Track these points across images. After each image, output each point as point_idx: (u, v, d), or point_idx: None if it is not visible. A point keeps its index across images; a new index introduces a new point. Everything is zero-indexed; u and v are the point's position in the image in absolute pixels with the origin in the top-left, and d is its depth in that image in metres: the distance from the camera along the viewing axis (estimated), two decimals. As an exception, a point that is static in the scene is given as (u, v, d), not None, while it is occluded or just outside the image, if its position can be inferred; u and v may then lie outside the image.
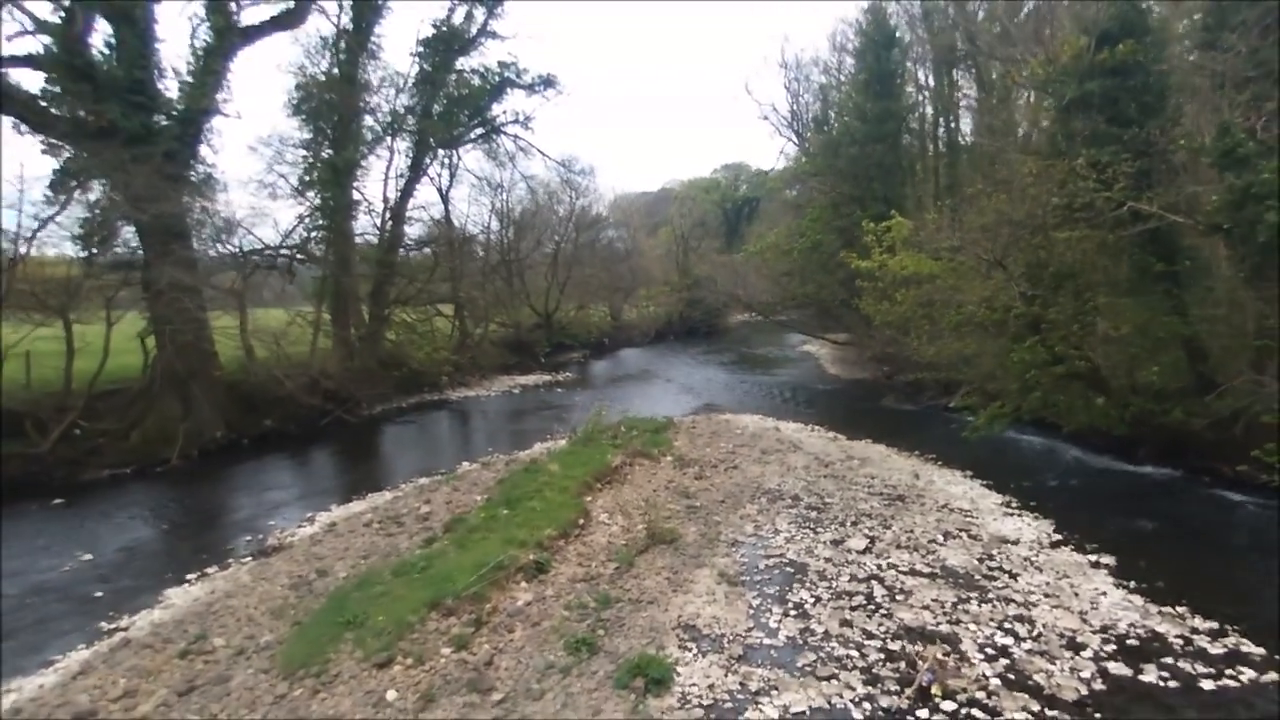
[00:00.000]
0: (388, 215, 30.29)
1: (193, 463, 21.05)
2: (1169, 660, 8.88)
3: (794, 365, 42.80)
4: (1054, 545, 13.04)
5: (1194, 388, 16.73)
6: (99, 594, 11.99)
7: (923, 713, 7.79)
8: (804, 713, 7.83)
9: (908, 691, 8.10)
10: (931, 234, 18.88)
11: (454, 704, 7.79)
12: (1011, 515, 14.79)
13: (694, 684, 8.37)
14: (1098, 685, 8.35)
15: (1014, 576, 11.55)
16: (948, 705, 7.88)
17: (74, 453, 19.64)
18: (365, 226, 30.56)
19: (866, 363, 35.55)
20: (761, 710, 7.87)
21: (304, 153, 28.83)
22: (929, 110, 36.80)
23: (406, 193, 31.03)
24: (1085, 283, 16.73)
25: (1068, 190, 15.19)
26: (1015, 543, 13.12)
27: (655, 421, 22.50)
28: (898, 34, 33.46)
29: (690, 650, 9.18)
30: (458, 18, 30.20)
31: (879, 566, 11.97)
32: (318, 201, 27.83)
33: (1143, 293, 16.71)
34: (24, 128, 20.69)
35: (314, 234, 28.88)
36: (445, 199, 36.75)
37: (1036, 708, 7.86)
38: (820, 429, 23.71)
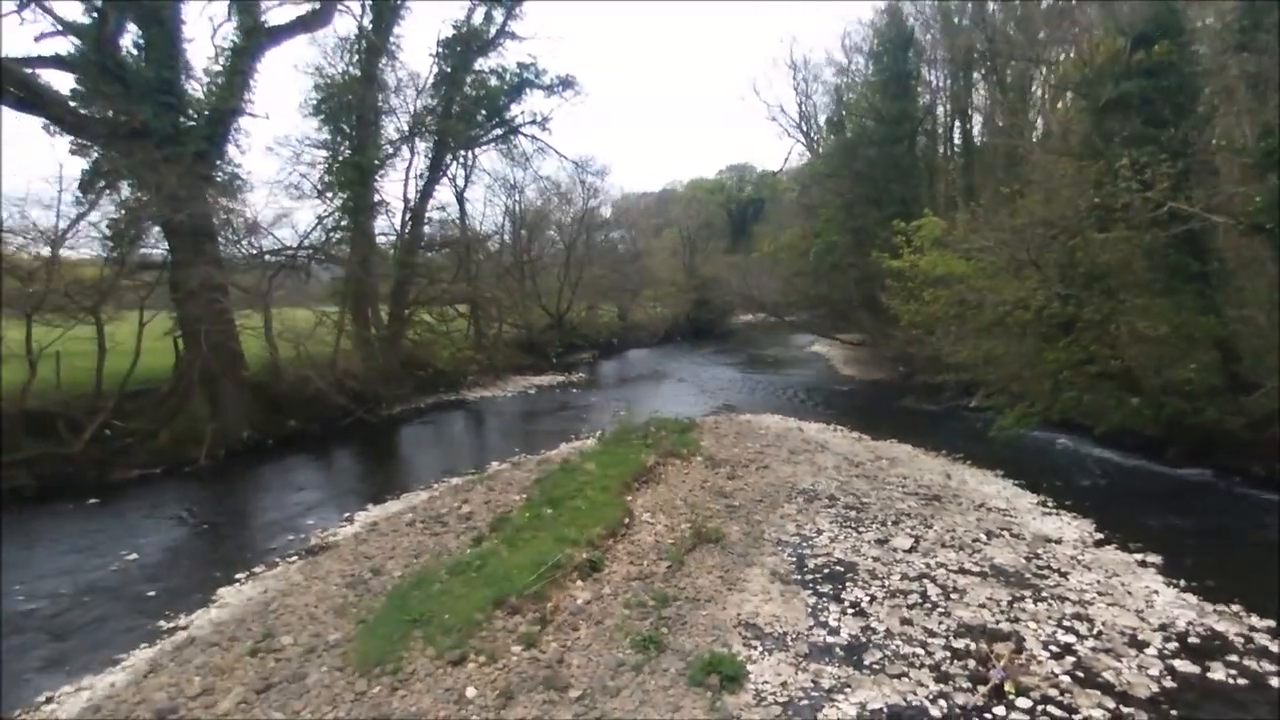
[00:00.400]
0: (408, 215, 30.32)
1: (219, 463, 21.05)
2: (1234, 658, 8.94)
3: (806, 366, 42.82)
4: (1098, 544, 13.12)
5: (1227, 387, 16.80)
6: (151, 593, 12.04)
7: (1000, 710, 7.84)
8: (881, 709, 7.88)
9: (981, 689, 8.15)
10: (963, 234, 18.92)
11: (533, 701, 7.84)
12: (1050, 514, 14.86)
13: (766, 681, 8.43)
14: (1168, 683, 8.42)
15: (1064, 575, 11.61)
16: (1023, 703, 7.94)
17: (104, 453, 19.66)
18: (383, 226, 30.57)
19: (882, 363, 35.61)
20: (839, 708, 7.92)
21: (324, 153, 28.90)
22: (943, 111, 36.91)
23: (426, 193, 31.12)
24: (1119, 283, 16.78)
25: (1105, 191, 15.24)
26: (1059, 542, 13.18)
27: (680, 422, 22.50)
28: (914, 34, 33.57)
29: (756, 648, 9.23)
30: (477, 18, 30.30)
31: (928, 565, 12.02)
32: (339, 202, 27.83)
33: (1177, 293, 16.76)
34: (55, 128, 20.75)
35: (334, 234, 28.98)
36: (461, 200, 36.82)
37: (1111, 704, 7.92)
38: (843, 429, 23.78)
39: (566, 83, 32.23)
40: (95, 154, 21.27)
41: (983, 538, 13.33)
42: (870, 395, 31.77)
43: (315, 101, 28.58)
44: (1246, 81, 16.07)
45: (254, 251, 24.11)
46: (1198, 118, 15.96)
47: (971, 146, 34.60)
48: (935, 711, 7.86)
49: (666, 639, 9.26)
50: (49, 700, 8.73)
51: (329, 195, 28.08)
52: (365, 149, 28.02)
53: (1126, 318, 16.60)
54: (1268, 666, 8.74)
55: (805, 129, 47.91)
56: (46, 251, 19.77)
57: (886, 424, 23.89)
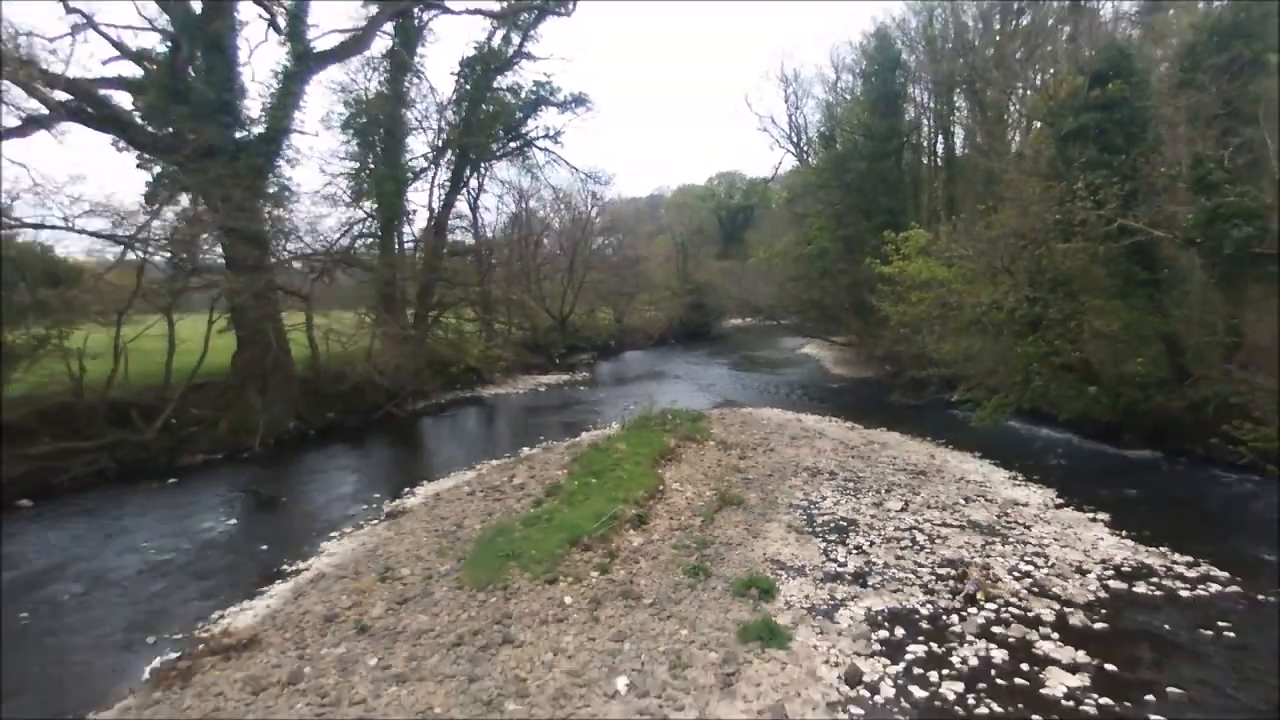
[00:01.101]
0: (432, 223, 32.55)
1: (271, 450, 23.10)
2: (1155, 580, 11.42)
3: (798, 366, 45.28)
4: (1058, 507, 15.60)
5: (1173, 377, 19.39)
6: (264, 547, 14.21)
7: (972, 611, 10.25)
8: (883, 610, 10.29)
9: (958, 598, 10.57)
10: (945, 243, 21.46)
11: (616, 607, 10.16)
12: (1019, 485, 17.36)
13: (792, 595, 10.81)
14: (1102, 594, 10.88)
15: (1027, 528, 14.08)
16: (991, 607, 10.36)
17: (173, 440, 21.73)
18: (408, 234, 32.77)
19: (869, 362, 38.08)
20: (850, 610, 10.32)
21: (353, 165, 31.06)
22: (927, 128, 39.61)
23: (448, 202, 33.36)
24: (1080, 286, 19.32)
25: (1066, 208, 17.79)
26: (1025, 505, 15.67)
27: (690, 413, 24.84)
28: (902, 57, 36.27)
29: (781, 575, 11.60)
30: (496, 40, 32.61)
31: (916, 521, 14.46)
32: (370, 210, 30.03)
33: (1129, 296, 19.30)
34: (124, 144, 22.85)
35: (362, 241, 31.21)
36: (474, 208, 39.08)
37: (1058, 608, 10.36)
38: (837, 420, 26.19)
39: (579, 100, 34.66)
40: (159, 168, 23.40)
41: (961, 502, 15.78)
42: (860, 392, 34.22)
43: (345, 117, 30.77)
44: (1187, 114, 18.70)
45: (300, 255, 26.22)
46: (1146, 146, 18.52)
47: (954, 161, 37.29)
48: (924, 611, 10.27)
49: (710, 569, 11.61)
50: (221, 617, 10.92)
51: (361, 204, 30.24)
52: (395, 162, 30.23)
53: (1086, 317, 19.16)
54: (1180, 585, 11.22)
55: (796, 140, 50.66)
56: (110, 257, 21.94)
57: (877, 416, 26.36)
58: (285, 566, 13.03)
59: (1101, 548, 12.96)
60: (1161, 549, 12.81)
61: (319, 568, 12.64)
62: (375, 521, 15.52)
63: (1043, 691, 8.25)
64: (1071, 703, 8.03)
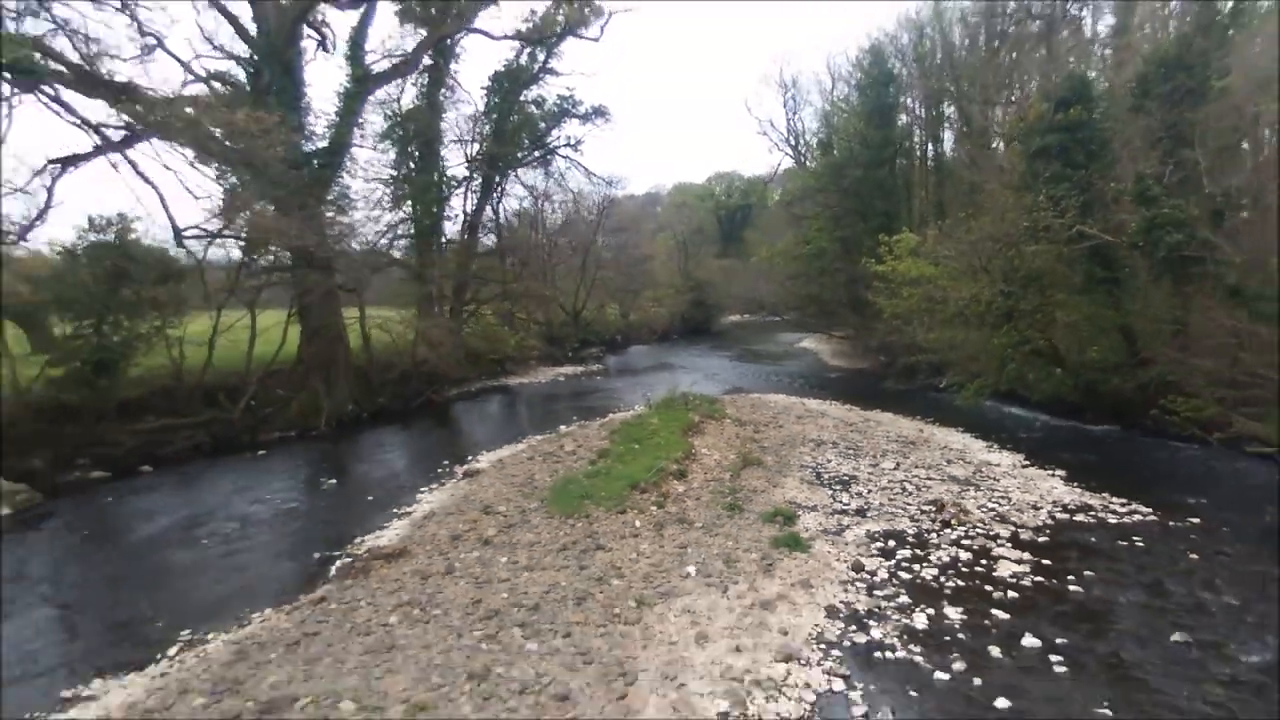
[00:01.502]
0: (465, 225, 35.61)
1: (334, 430, 26.09)
2: (1092, 512, 14.58)
3: (797, 358, 48.41)
4: (1024, 467, 18.72)
5: (1127, 362, 22.56)
6: (370, 498, 17.25)
7: (947, 531, 13.38)
8: (879, 531, 13.43)
9: (937, 522, 13.70)
10: (933, 245, 24.61)
11: (675, 529, 13.26)
12: (994, 451, 20.48)
13: (809, 523, 13.92)
14: (1049, 522, 14.04)
15: (996, 480, 17.22)
16: (961, 529, 13.49)
17: (254, 419, 24.73)
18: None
19: (865, 355, 41.26)
20: (854, 531, 13.46)
21: (392, 172, 34.05)
22: (919, 135, 42.81)
23: (480, 207, 36.42)
24: (1047, 283, 22.45)
25: (1033, 216, 20.91)
26: (998, 465, 18.80)
27: (706, 396, 27.93)
28: (895, 70, 39.45)
29: (799, 511, 14.70)
30: (523, 58, 35.58)
31: (905, 476, 17.58)
32: (409, 214, 33.05)
33: (1090, 291, 22.45)
34: (204, 157, 25.75)
35: (401, 241, 34.31)
36: (497, 211, 42.06)
37: (1012, 530, 13.49)
38: (837, 403, 29.29)
39: (599, 112, 37.69)
40: (234, 179, 26.32)
41: (944, 463, 18.90)
42: (857, 380, 37.35)
43: (386, 128, 33.73)
44: (1139, 136, 21.84)
45: (354, 254, 29.22)
46: (1103, 163, 21.67)
47: (943, 168, 40.48)
48: (910, 532, 13.41)
49: (743, 506, 14.72)
50: (363, 541, 13.96)
51: (401, 209, 33.25)
52: (432, 170, 33.24)
53: (1053, 309, 22.31)
54: (1110, 516, 14.38)
55: (794, 144, 53.86)
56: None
57: (872, 400, 29.48)
58: (394, 510, 16.06)
59: (1054, 494, 16.09)
60: (1103, 495, 15.93)
61: (424, 510, 15.70)
62: (454, 479, 18.54)
63: (994, 574, 11.39)
64: (1014, 579, 11.17)
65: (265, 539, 14.57)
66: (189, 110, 25.33)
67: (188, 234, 22.86)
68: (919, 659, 8.83)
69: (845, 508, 15.09)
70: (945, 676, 8.45)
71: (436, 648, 8.86)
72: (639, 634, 9.23)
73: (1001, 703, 7.89)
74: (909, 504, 15.23)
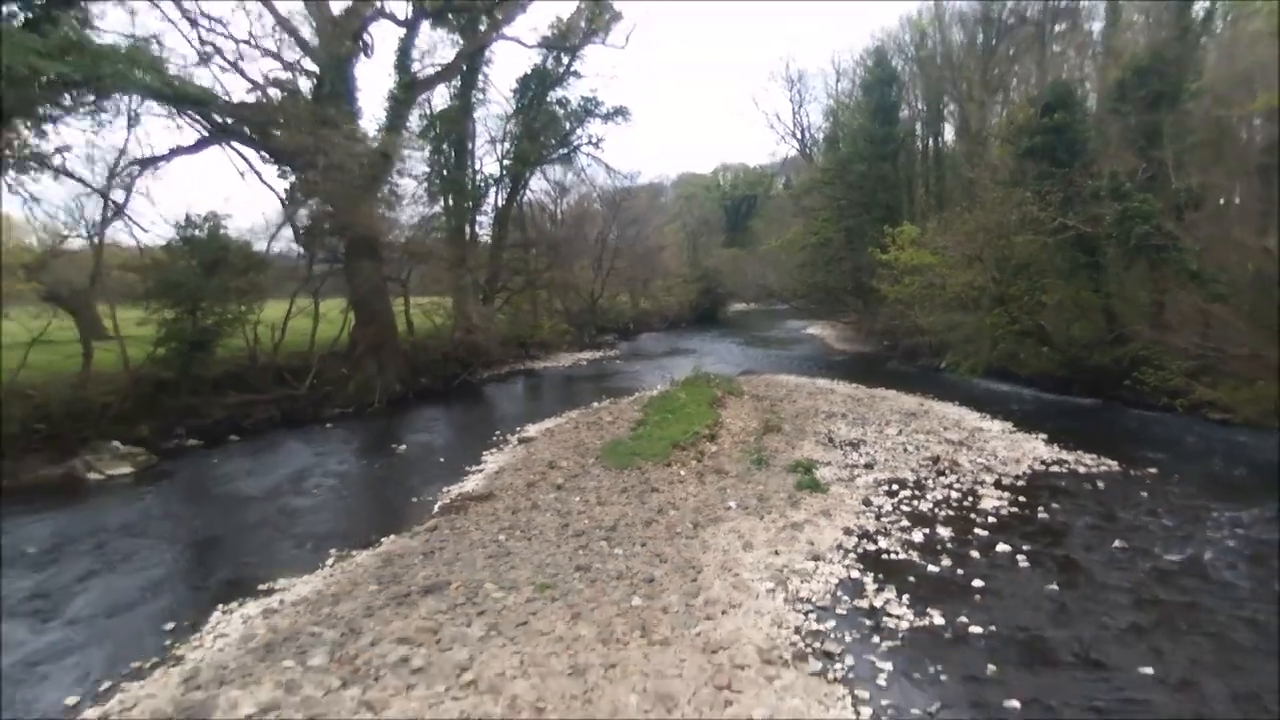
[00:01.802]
0: (496, 218, 38.17)
1: (385, 408, 28.70)
2: (1066, 465, 17.17)
3: (804, 343, 50.91)
4: (1012, 432, 21.27)
5: (1108, 340, 25.07)
6: (441, 460, 19.87)
7: (941, 478, 15.98)
8: (885, 478, 16.04)
9: (933, 473, 16.29)
10: (932, 236, 27.13)
11: (713, 478, 15.87)
12: (986, 420, 23.01)
13: (825, 474, 16.51)
14: (1028, 471, 16.64)
15: (987, 442, 19.78)
16: (954, 476, 16.07)
17: (317, 396, 27.35)
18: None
19: (869, 339, 43.78)
20: (863, 479, 16.08)
21: (426, 169, 36.59)
22: (920, 130, 45.18)
23: (509, 201, 38.95)
24: (1035, 269, 24.96)
25: (1022, 210, 23.41)
26: (988, 431, 21.36)
27: (724, 376, 30.48)
28: (897, 70, 41.84)
29: (816, 465, 17.28)
30: (549, 63, 38.02)
31: (907, 440, 20.14)
32: (446, 208, 35.62)
33: (1074, 276, 24.95)
34: (268, 157, 28.30)
35: (434, 234, 36.85)
36: (521, 205, 44.51)
37: (996, 477, 16.09)
38: (844, 382, 31.76)
39: (620, 112, 40.17)
40: (294, 177, 28.85)
41: (941, 430, 21.45)
42: (861, 362, 39.84)
43: (421, 127, 36.22)
44: (1117, 135, 24.30)
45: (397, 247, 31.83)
46: (1084, 161, 24.13)
47: (942, 163, 42.88)
48: (910, 480, 16.02)
49: (768, 461, 17.30)
50: (448, 489, 16.56)
51: (437, 202, 35.82)
52: (465, 166, 35.77)
53: (1041, 293, 24.82)
54: (1081, 468, 16.97)
55: (799, 136, 56.29)
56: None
57: (876, 379, 31.93)
58: (466, 468, 18.65)
59: (1035, 452, 18.66)
60: (1078, 453, 18.48)
61: (494, 466, 18.31)
62: (511, 445, 21.14)
63: (979, 507, 14.02)
64: (994, 511, 13.79)
65: (363, 489, 17.23)
66: (262, 114, 28.06)
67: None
68: (915, 559, 11.46)
69: (855, 463, 17.68)
70: (935, 569, 11.08)
71: (544, 553, 11.50)
72: (698, 545, 11.85)
73: (977, 583, 10.51)
74: (910, 460, 17.81)
